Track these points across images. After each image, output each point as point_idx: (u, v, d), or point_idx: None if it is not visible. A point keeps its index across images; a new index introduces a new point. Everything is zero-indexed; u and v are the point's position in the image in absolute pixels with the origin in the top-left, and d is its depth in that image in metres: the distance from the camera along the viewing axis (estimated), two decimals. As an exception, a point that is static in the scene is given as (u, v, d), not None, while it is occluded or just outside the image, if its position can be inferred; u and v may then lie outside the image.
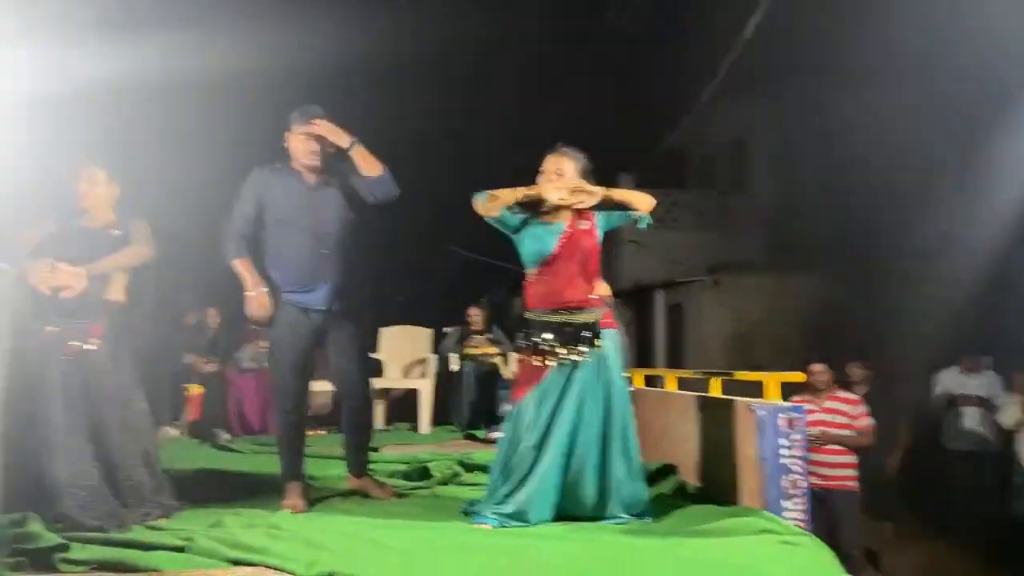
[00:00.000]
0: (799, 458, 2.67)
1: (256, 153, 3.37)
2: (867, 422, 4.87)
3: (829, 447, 4.84)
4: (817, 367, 4.87)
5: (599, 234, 2.98)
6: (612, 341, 2.94)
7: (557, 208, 2.94)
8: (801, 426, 2.68)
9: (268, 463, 3.71)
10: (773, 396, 2.89)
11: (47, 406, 2.82)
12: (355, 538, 2.59)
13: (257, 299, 3.13)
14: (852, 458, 4.86)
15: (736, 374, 3.41)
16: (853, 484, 4.81)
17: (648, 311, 11.33)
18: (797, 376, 3.02)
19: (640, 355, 11.71)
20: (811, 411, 4.96)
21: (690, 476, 3.32)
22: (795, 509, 2.65)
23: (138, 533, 2.65)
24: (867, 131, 9.20)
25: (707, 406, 3.21)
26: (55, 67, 3.91)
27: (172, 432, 5.04)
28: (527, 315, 2.97)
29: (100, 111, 4.14)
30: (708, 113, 13.23)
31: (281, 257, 3.18)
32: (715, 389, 3.34)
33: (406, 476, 3.82)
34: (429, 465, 3.83)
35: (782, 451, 2.66)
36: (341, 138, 3.12)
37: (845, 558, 4.81)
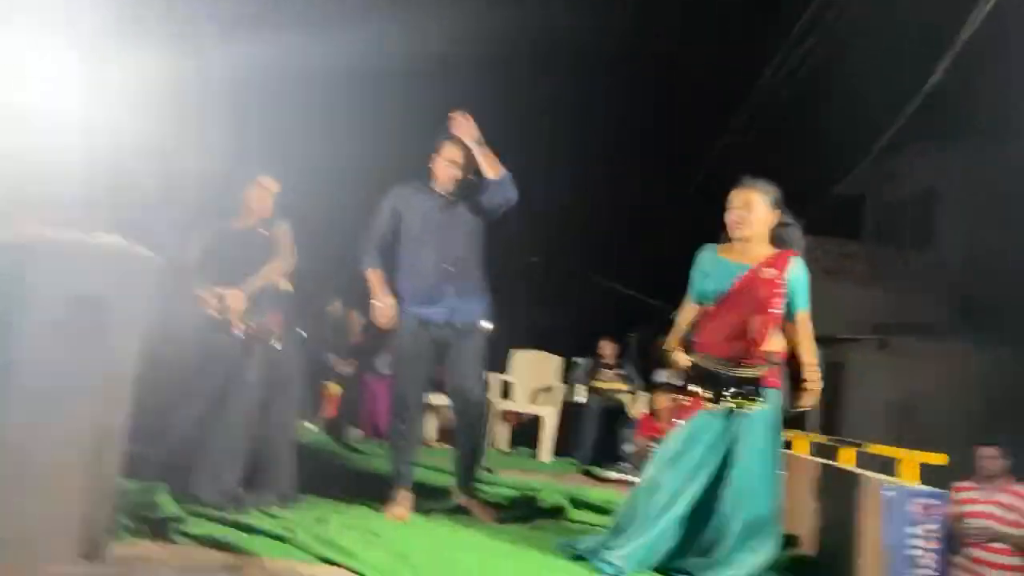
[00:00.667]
0: (932, 552, 2.35)
1: (401, 153, 3.53)
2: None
3: (994, 545, 4.24)
4: (988, 451, 4.30)
5: (784, 292, 2.71)
6: (772, 401, 2.70)
7: (745, 245, 2.76)
8: (938, 515, 2.36)
9: (387, 467, 3.83)
10: (910, 477, 2.57)
11: (202, 385, 3.09)
12: (440, 557, 2.61)
13: (382, 309, 3.29)
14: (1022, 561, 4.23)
15: (869, 447, 3.07)
16: (1021, 592, 4.17)
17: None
18: (939, 458, 2.66)
19: (794, 418, 10.95)
20: (976, 500, 4.39)
21: (809, 550, 3.03)
22: (923, 610, 2.33)
23: (253, 517, 2.81)
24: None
25: (833, 477, 2.92)
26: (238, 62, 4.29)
27: (310, 427, 5.34)
28: (690, 356, 2.82)
29: (253, 107, 4.52)
30: (892, 161, 12.28)
31: (408, 270, 3.33)
32: (846, 459, 3.03)
33: (513, 502, 3.79)
34: (538, 495, 3.78)
35: (912, 540, 2.35)
36: (471, 133, 3.20)
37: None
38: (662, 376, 6.08)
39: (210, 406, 3.08)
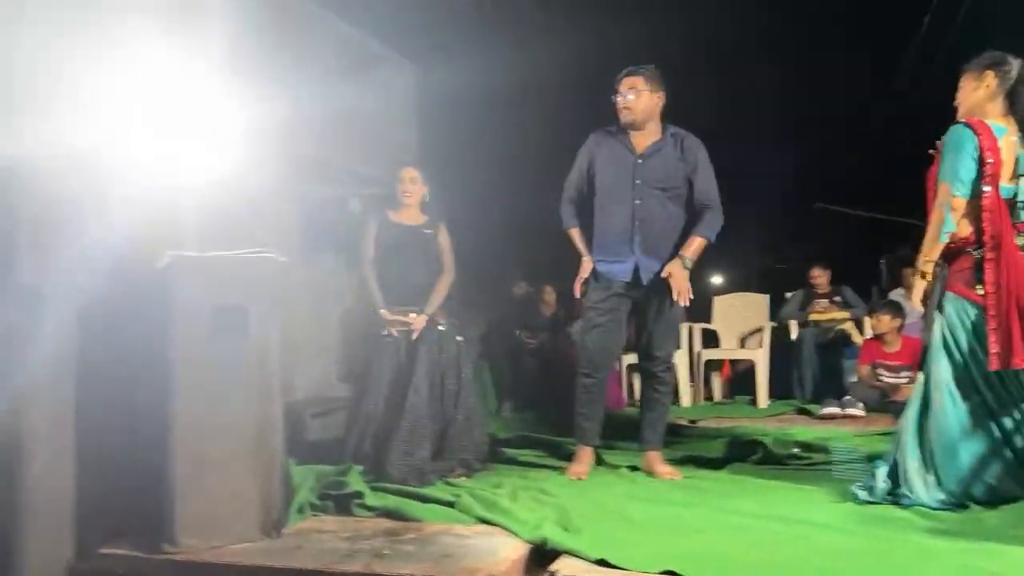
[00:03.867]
0: None
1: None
2: None
3: None
4: None
5: None
6: None
7: None
8: None
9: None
10: None
11: (383, 382, 3.34)
12: (605, 508, 2.55)
13: (585, 266, 3.23)
14: None
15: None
16: None
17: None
18: None
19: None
20: None
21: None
22: None
23: (434, 488, 2.96)
24: None
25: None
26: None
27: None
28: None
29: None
30: None
31: (599, 225, 3.24)
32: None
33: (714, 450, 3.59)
34: (728, 441, 3.56)
35: None
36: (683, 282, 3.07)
37: None
38: (896, 295, 5.40)
39: (390, 392, 3.30)
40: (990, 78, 2.48)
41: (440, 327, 3.36)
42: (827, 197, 11.45)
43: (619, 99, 3.17)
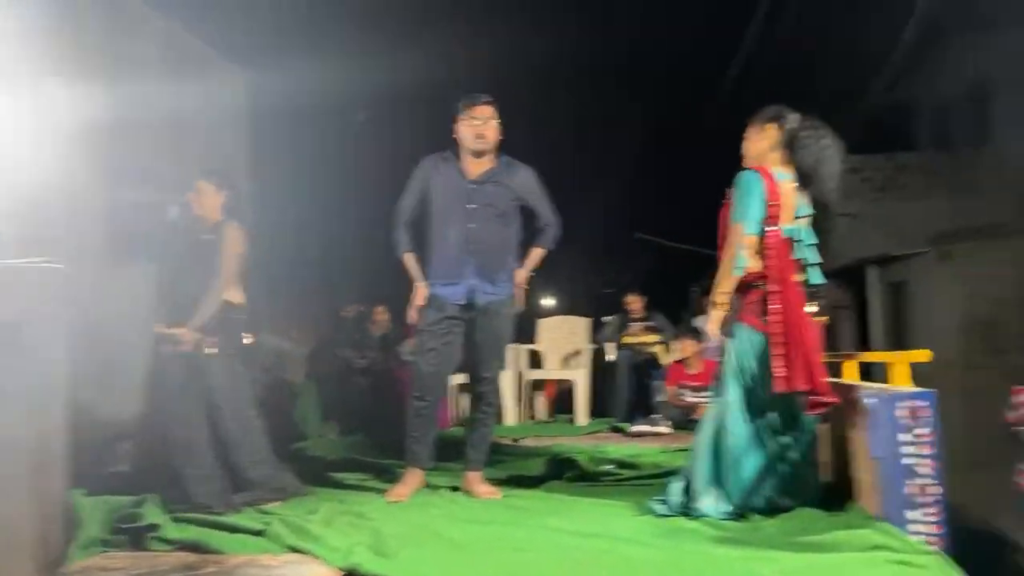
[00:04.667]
0: (929, 458, 2.11)
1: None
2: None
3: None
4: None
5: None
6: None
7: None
8: (929, 419, 2.12)
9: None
10: (901, 381, 2.32)
11: (168, 401, 3.10)
12: (423, 530, 2.53)
13: (419, 293, 3.21)
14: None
15: (862, 356, 2.82)
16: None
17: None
18: (922, 355, 2.40)
19: (861, 341, 10.43)
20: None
21: (825, 473, 2.82)
22: (924, 521, 2.10)
23: (241, 516, 2.79)
24: None
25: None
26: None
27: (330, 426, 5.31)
28: None
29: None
30: (936, 60, 11.47)
31: (434, 249, 3.24)
32: (850, 374, 2.79)
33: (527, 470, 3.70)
34: (547, 459, 3.68)
35: (904, 449, 2.12)
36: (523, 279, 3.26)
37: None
38: (699, 322, 5.86)
39: (186, 413, 3.08)
40: (772, 130, 2.77)
41: (210, 349, 3.08)
42: (647, 228, 12.29)
43: (472, 126, 3.19)
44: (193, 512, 2.74)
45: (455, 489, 3.27)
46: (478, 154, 3.22)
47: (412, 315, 3.26)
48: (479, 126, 3.18)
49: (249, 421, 3.17)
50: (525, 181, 3.30)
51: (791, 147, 2.74)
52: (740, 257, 2.69)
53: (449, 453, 3.63)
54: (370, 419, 5.12)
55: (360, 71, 4.92)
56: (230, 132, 4.60)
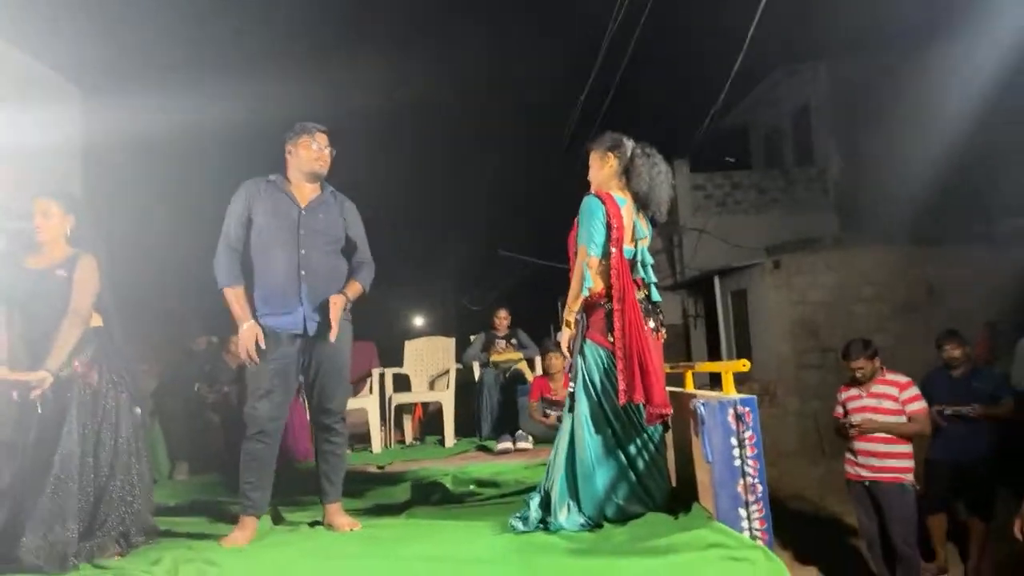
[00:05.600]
0: (753, 459, 2.31)
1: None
2: (919, 406, 4.34)
3: (878, 435, 4.35)
4: (856, 363, 4.40)
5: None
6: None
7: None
8: (751, 422, 2.32)
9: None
10: (727, 389, 2.53)
11: (17, 444, 2.84)
12: (277, 571, 2.48)
13: (248, 331, 2.98)
14: (905, 448, 4.34)
15: (697, 366, 3.04)
16: (905, 476, 4.29)
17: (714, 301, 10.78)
18: (739, 365, 2.63)
19: (711, 348, 11.15)
20: (855, 397, 4.48)
21: (672, 476, 3.00)
22: (753, 518, 2.29)
23: (79, 573, 2.61)
24: (940, 95, 8.53)
25: (675, 403, 2.87)
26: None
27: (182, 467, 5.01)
28: None
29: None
30: (770, 88, 12.57)
31: (262, 277, 3.06)
32: (690, 383, 2.99)
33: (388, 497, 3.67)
34: (412, 484, 3.67)
35: (734, 452, 2.31)
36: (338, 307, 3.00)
37: (898, 557, 4.30)
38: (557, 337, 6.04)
39: (29, 463, 2.83)
40: (612, 158, 2.94)
41: (88, 384, 2.94)
42: (510, 246, 12.55)
43: (312, 149, 3.13)
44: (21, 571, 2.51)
45: (315, 524, 3.18)
46: (314, 178, 3.16)
47: (253, 357, 2.99)
48: (318, 151, 3.14)
49: (129, 464, 2.96)
50: (350, 214, 3.24)
51: (628, 174, 2.91)
52: (587, 278, 2.82)
53: (308, 486, 3.53)
54: (225, 456, 4.87)
55: (207, 102, 4.76)
56: (63, 156, 4.28)
